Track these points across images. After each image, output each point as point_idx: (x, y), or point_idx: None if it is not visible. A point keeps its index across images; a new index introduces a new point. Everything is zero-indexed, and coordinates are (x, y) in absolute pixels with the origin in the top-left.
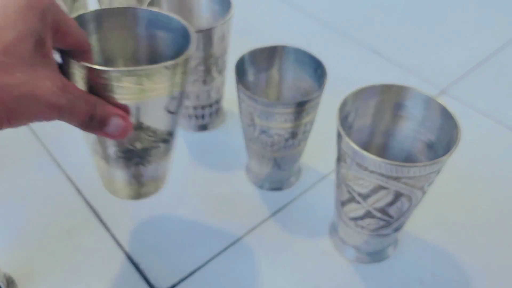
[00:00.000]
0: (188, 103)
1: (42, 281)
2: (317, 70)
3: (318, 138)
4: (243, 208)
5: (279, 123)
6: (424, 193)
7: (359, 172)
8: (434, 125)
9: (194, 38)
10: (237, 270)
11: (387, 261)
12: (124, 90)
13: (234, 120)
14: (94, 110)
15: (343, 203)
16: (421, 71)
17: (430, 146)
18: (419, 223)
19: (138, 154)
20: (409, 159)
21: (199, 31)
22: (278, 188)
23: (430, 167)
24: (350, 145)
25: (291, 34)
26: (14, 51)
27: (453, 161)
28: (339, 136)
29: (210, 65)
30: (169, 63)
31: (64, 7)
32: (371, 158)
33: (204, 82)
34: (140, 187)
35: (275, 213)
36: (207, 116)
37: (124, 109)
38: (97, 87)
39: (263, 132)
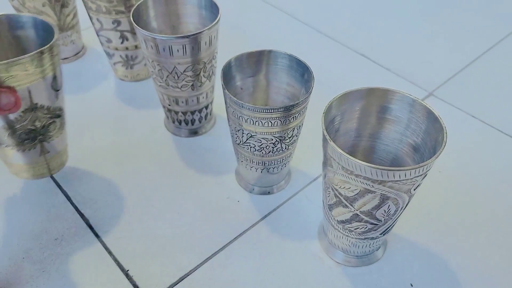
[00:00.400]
0: (178, 108)
1: None
2: (304, 74)
3: (307, 141)
4: (233, 212)
5: (267, 128)
6: (411, 196)
7: (345, 176)
8: (420, 128)
9: (56, 29)
10: (227, 274)
11: (376, 264)
12: (15, 78)
13: (224, 125)
14: None
15: (330, 207)
16: (409, 73)
17: (416, 148)
18: (408, 224)
19: (39, 132)
20: (395, 161)
21: (186, 36)
22: (267, 192)
23: (416, 171)
24: (336, 149)
25: (279, 38)
26: None
27: (442, 161)
28: (324, 140)
29: (198, 70)
30: (45, 47)
31: (52, 13)
32: (356, 163)
33: (193, 87)
34: (50, 162)
35: (264, 217)
36: (196, 121)
37: (8, 87)
38: None
39: (251, 137)
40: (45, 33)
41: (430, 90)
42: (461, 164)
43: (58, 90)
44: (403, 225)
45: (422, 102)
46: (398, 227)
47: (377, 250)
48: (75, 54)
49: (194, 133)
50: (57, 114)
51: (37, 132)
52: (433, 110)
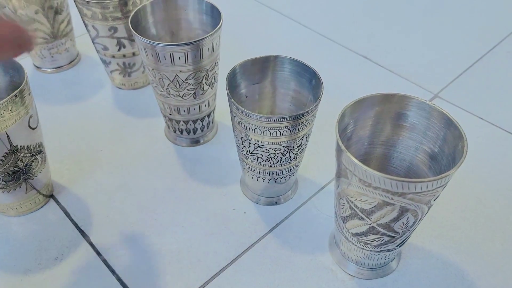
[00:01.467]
0: (179, 117)
1: None
2: (312, 80)
3: (312, 148)
4: (240, 224)
5: (275, 138)
6: (430, 207)
7: (361, 188)
8: (437, 136)
9: (25, 71)
10: None
11: (391, 275)
12: None
13: (226, 133)
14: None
15: (344, 219)
16: (413, 75)
17: (433, 157)
18: (423, 233)
19: (23, 171)
20: (411, 169)
21: (188, 43)
22: (275, 203)
23: (437, 182)
24: (352, 160)
25: (282, 43)
26: None
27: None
28: (338, 150)
29: (200, 78)
30: (17, 91)
31: (45, 20)
32: (375, 174)
33: (195, 95)
34: (36, 197)
35: (273, 228)
36: (198, 130)
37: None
38: None
39: (258, 147)
40: (12, 71)
41: (436, 91)
42: (471, 168)
43: (35, 128)
44: (417, 234)
45: (440, 108)
46: (412, 237)
47: (391, 261)
48: (70, 62)
49: (196, 142)
50: (38, 151)
51: (20, 172)
52: (451, 118)
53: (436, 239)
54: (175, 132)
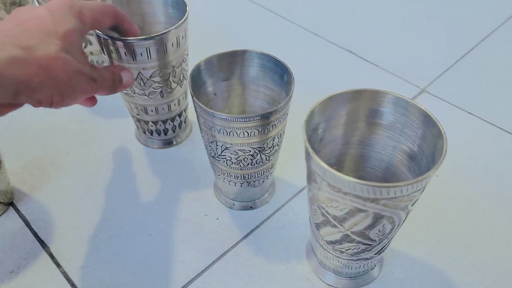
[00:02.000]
0: (147, 117)
1: None
2: (284, 76)
3: (290, 148)
4: (212, 232)
5: (243, 139)
6: (408, 212)
7: (331, 194)
8: (416, 133)
9: None
10: None
11: (372, 284)
12: None
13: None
14: (114, 74)
15: (318, 226)
16: (400, 69)
17: (412, 156)
18: (406, 238)
19: None
20: (389, 170)
21: (149, 38)
22: (249, 207)
23: (413, 186)
24: (319, 164)
25: (259, 36)
26: (70, 38)
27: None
28: (307, 153)
29: (166, 75)
30: None
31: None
32: (344, 179)
33: (162, 94)
34: None
35: (247, 235)
36: (170, 131)
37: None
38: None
39: (226, 149)
40: None
41: (423, 86)
42: (459, 165)
43: None
44: (400, 239)
45: (418, 104)
46: (394, 242)
47: (372, 269)
48: None
49: (168, 143)
50: None
51: None
52: (430, 114)
53: (421, 244)
54: (145, 133)
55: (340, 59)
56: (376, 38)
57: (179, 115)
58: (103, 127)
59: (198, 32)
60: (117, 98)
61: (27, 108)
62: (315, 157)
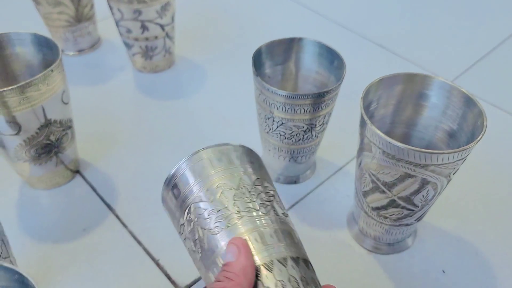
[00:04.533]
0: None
1: (60, 280)
2: (334, 62)
3: (331, 131)
4: None
5: (298, 115)
6: (449, 181)
7: (385, 161)
8: (457, 114)
9: (59, 48)
10: None
11: (407, 251)
12: (29, 99)
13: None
14: None
15: (365, 193)
16: (428, 63)
17: (451, 135)
18: (438, 212)
19: (54, 145)
20: (429, 148)
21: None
22: (294, 182)
23: (458, 154)
24: (376, 132)
25: (291, 30)
26: None
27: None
28: (362, 124)
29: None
30: (53, 65)
31: (70, 3)
32: (399, 146)
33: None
34: (64, 172)
35: (292, 206)
36: None
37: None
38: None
39: (281, 124)
40: (46, 49)
41: (450, 79)
42: (487, 155)
43: (67, 103)
44: (432, 214)
45: (460, 88)
46: (428, 216)
47: (408, 237)
48: (92, 46)
49: None
50: (68, 126)
51: (52, 145)
52: (471, 96)
53: (451, 218)
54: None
55: (371, 53)
56: (405, 33)
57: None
58: (156, 108)
59: (243, 25)
60: (170, 82)
61: (84, 90)
62: (372, 126)
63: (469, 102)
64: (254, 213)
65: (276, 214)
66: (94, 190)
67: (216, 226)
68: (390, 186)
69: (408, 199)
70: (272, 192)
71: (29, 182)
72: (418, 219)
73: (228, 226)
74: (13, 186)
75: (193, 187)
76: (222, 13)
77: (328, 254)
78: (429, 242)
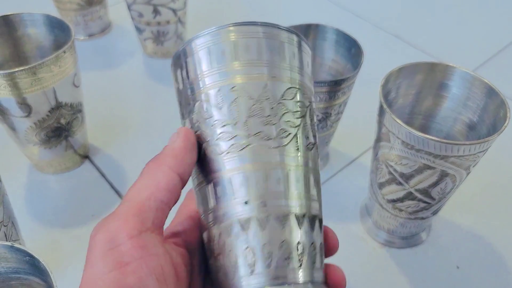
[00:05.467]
0: None
1: (68, 264)
2: (352, 49)
3: (345, 121)
4: None
5: (314, 103)
6: (468, 173)
7: (403, 151)
8: (478, 105)
9: (71, 30)
10: None
11: (421, 245)
12: (41, 80)
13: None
14: None
15: (381, 185)
16: (445, 55)
17: (471, 127)
18: (453, 207)
19: (65, 128)
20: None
21: None
22: None
23: (480, 146)
24: (396, 122)
25: (309, 18)
26: None
27: None
28: (381, 113)
29: None
30: (65, 47)
31: None
32: (419, 136)
33: None
34: (73, 156)
35: None
36: None
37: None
38: None
39: None
40: (58, 30)
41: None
42: (505, 148)
43: (78, 86)
44: (448, 209)
45: (483, 78)
46: (443, 211)
47: (422, 231)
48: (102, 31)
49: None
50: (79, 109)
51: (62, 129)
52: (493, 86)
53: (467, 213)
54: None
55: (386, 43)
56: (422, 23)
57: None
58: (166, 94)
59: (252, 8)
60: None
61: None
62: (392, 115)
63: (491, 92)
64: (268, 144)
65: (297, 148)
66: (103, 175)
67: (216, 145)
68: (407, 177)
69: (425, 192)
70: (303, 110)
71: (38, 166)
72: (435, 213)
73: (229, 152)
74: (22, 170)
75: (205, 78)
76: None
77: (340, 247)
78: (444, 237)
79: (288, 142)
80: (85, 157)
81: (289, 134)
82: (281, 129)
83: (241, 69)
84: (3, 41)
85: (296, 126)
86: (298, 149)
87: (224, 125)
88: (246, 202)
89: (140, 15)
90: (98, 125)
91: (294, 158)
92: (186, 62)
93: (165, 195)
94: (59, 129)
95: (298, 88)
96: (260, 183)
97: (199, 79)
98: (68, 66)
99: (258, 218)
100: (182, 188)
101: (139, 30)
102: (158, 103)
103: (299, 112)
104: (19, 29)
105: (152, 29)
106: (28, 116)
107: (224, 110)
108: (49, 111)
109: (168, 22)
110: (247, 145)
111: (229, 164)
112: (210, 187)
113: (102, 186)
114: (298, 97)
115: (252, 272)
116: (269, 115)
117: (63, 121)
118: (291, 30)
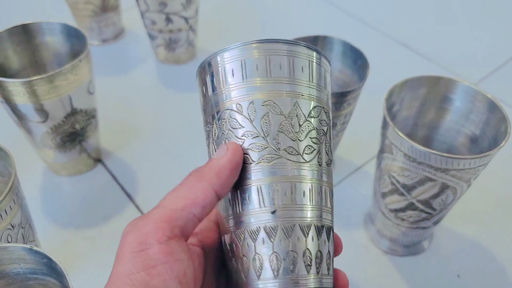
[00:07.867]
0: None
1: (80, 265)
2: (358, 61)
3: (351, 130)
4: None
5: None
6: (469, 186)
7: (405, 163)
8: (480, 119)
9: (87, 39)
10: None
11: (423, 254)
12: (57, 88)
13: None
14: None
15: (384, 195)
16: (452, 65)
17: (473, 139)
18: (455, 217)
19: (79, 133)
20: (451, 152)
21: None
22: None
23: (480, 160)
24: (399, 135)
25: (318, 26)
26: None
27: None
28: (384, 126)
29: None
30: (81, 56)
31: None
32: (421, 149)
33: None
34: (86, 160)
35: None
36: None
37: None
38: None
39: None
40: (74, 39)
41: (473, 82)
42: (506, 158)
43: (93, 93)
44: (450, 218)
45: (485, 93)
46: (445, 220)
47: (424, 240)
48: (116, 37)
49: None
50: (93, 115)
51: (77, 134)
52: (495, 101)
53: (468, 223)
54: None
55: (393, 52)
56: (429, 33)
57: None
58: (178, 99)
59: (262, 18)
60: (192, 74)
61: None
62: (394, 128)
63: (493, 107)
64: (295, 158)
65: (320, 163)
66: (115, 179)
67: (246, 154)
68: (409, 188)
69: (426, 203)
70: (325, 128)
71: (52, 168)
72: (436, 223)
73: (259, 162)
74: (37, 172)
75: (235, 90)
76: (245, 8)
77: (343, 254)
78: (445, 245)
79: (313, 158)
80: (98, 160)
81: (314, 150)
82: (307, 146)
83: (273, 84)
84: (22, 49)
85: (320, 143)
86: (320, 164)
87: (255, 137)
88: (273, 212)
89: (153, 23)
90: (111, 130)
91: (317, 173)
92: (217, 71)
93: (198, 210)
94: (74, 134)
95: (322, 107)
96: (287, 194)
97: (231, 89)
98: (84, 74)
99: (284, 227)
100: (216, 202)
101: (151, 37)
102: (169, 108)
103: (323, 130)
104: (37, 37)
105: (164, 37)
106: (44, 121)
107: (256, 123)
108: (65, 117)
109: (180, 30)
110: (277, 158)
111: (259, 174)
112: (237, 193)
113: (113, 189)
114: (322, 116)
115: (277, 275)
116: (297, 132)
117: (77, 126)
118: (318, 50)
